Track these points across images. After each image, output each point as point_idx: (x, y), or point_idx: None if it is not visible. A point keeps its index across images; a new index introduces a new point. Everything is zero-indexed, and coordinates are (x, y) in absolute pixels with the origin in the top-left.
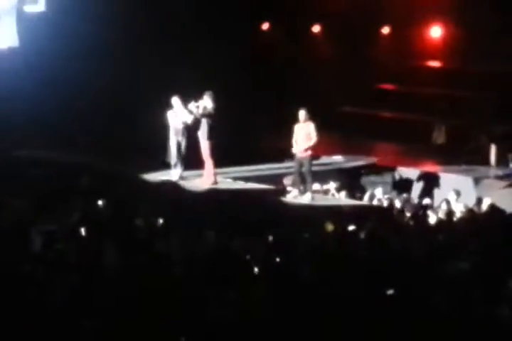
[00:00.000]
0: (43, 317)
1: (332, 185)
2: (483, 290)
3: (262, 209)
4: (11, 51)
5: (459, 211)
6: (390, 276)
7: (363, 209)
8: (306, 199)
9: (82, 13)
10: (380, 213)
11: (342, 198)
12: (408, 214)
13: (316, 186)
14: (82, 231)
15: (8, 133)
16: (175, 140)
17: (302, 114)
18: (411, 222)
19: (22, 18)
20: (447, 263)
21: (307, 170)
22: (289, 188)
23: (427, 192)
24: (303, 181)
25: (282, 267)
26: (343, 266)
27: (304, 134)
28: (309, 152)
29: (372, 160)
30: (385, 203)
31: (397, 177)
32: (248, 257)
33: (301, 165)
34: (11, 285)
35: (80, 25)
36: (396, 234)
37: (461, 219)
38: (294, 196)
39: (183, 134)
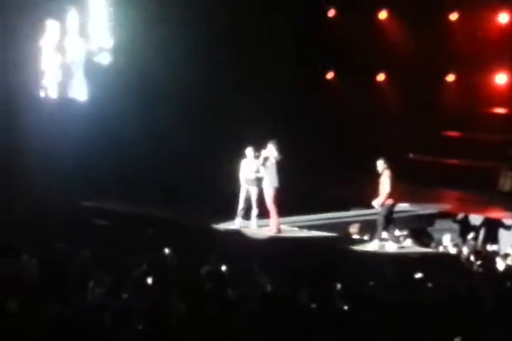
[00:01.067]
0: None
1: (401, 233)
2: None
3: (326, 257)
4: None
5: None
6: (459, 323)
7: (431, 257)
8: (373, 246)
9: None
10: (447, 260)
11: (410, 245)
12: (476, 261)
13: (397, 232)
14: (149, 280)
15: (74, 184)
16: (245, 190)
17: (380, 164)
18: (479, 269)
19: (90, 70)
20: None
21: (380, 218)
22: (354, 236)
23: (494, 238)
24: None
25: (349, 316)
26: (409, 315)
27: (381, 184)
28: (383, 201)
29: (440, 207)
30: (453, 250)
31: (464, 224)
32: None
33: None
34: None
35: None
36: (465, 280)
37: None
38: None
39: (255, 185)
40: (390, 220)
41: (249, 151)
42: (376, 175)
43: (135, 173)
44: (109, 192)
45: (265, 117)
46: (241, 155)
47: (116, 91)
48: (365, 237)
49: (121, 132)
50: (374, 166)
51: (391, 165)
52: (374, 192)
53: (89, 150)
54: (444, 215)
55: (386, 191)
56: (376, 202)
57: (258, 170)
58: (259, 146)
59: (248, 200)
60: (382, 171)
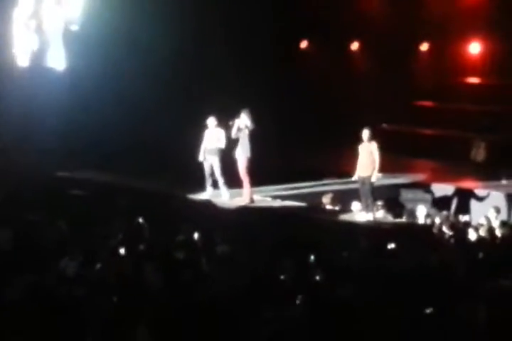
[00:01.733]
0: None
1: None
2: None
3: (299, 227)
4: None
5: (497, 227)
6: (430, 294)
7: (404, 227)
8: (367, 218)
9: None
10: (419, 231)
11: (383, 215)
12: (448, 232)
13: (356, 205)
14: (122, 251)
15: (49, 153)
16: (208, 160)
17: (366, 133)
18: (451, 240)
19: (68, 39)
20: (489, 280)
21: (369, 189)
22: (327, 206)
23: (466, 208)
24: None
25: (321, 286)
26: (381, 285)
27: (366, 154)
28: (376, 173)
29: (411, 177)
30: (425, 221)
31: (436, 194)
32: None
33: (363, 184)
34: (51, 306)
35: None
36: (436, 251)
37: (503, 237)
38: (361, 216)
39: (215, 154)
40: (373, 191)
41: (211, 121)
42: (350, 145)
43: (110, 143)
44: (84, 162)
45: (239, 86)
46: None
47: (93, 60)
48: (337, 207)
49: (98, 102)
50: (347, 136)
51: (375, 135)
52: (349, 162)
53: (65, 120)
54: (416, 185)
55: (378, 161)
56: (375, 176)
57: (220, 139)
58: (233, 115)
59: (212, 170)
60: (369, 141)
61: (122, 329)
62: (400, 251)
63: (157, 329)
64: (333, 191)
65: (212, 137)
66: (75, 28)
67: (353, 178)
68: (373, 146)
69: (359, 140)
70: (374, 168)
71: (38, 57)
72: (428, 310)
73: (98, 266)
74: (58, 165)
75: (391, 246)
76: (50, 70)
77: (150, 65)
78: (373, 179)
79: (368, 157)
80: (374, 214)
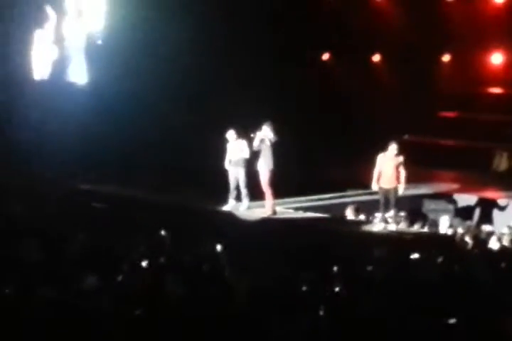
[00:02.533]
0: None
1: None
2: None
3: (322, 238)
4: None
5: None
6: (455, 304)
7: (426, 237)
8: (390, 229)
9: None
10: (443, 241)
11: (405, 226)
12: (470, 242)
13: (379, 216)
14: (144, 264)
15: (72, 166)
16: (232, 172)
17: (393, 147)
18: (474, 250)
19: (89, 53)
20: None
21: (394, 201)
22: (350, 217)
23: (488, 219)
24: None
25: (343, 298)
26: (405, 296)
27: (392, 167)
28: (403, 186)
29: (434, 188)
30: (448, 231)
31: (459, 204)
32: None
33: (386, 195)
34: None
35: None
36: (460, 261)
37: None
38: (381, 228)
39: (241, 166)
40: (389, 201)
41: (230, 134)
42: (372, 156)
43: (132, 156)
44: (106, 175)
45: (261, 99)
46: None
47: (114, 73)
48: (360, 218)
49: (119, 115)
50: (370, 147)
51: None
52: (372, 173)
53: (88, 133)
54: (439, 196)
55: (405, 175)
56: (401, 189)
57: (243, 150)
58: (256, 128)
59: (237, 182)
60: (397, 155)
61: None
62: (423, 261)
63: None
64: (355, 202)
65: (235, 149)
66: (97, 41)
67: (373, 188)
68: (400, 160)
69: (381, 151)
70: (400, 181)
71: (60, 71)
72: (451, 321)
73: (120, 278)
74: (80, 178)
75: (414, 256)
76: (71, 84)
77: (172, 77)
78: (400, 192)
79: (393, 170)
80: (397, 225)
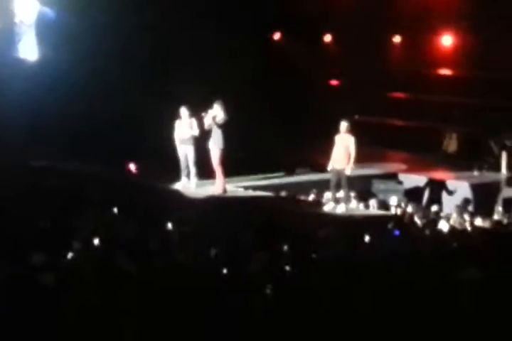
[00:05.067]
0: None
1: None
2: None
3: (272, 217)
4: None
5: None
6: (404, 287)
7: (376, 218)
8: (341, 210)
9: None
10: (392, 221)
11: (355, 206)
12: (420, 222)
13: (328, 195)
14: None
15: (22, 143)
16: (182, 150)
17: (344, 125)
18: (424, 230)
19: (40, 30)
20: (460, 270)
21: (345, 183)
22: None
23: (437, 199)
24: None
25: (291, 276)
26: (354, 277)
27: (343, 146)
28: (350, 166)
29: (384, 168)
30: (396, 211)
31: (408, 185)
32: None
33: (337, 176)
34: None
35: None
36: (409, 241)
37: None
38: (331, 208)
39: (190, 143)
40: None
41: (183, 111)
42: (322, 137)
43: (82, 132)
44: (58, 152)
45: (212, 78)
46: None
47: (65, 49)
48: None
49: (71, 91)
50: (320, 127)
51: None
52: (322, 153)
53: (37, 109)
54: (388, 176)
55: (354, 155)
56: (349, 168)
57: (193, 128)
58: (205, 107)
59: (187, 160)
60: (347, 133)
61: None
62: (372, 241)
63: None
64: (305, 182)
65: (185, 126)
66: (48, 17)
67: (328, 169)
68: (351, 140)
69: (332, 131)
70: (349, 161)
71: (9, 47)
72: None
73: (70, 255)
74: (30, 155)
75: (363, 236)
76: (21, 60)
77: (124, 54)
78: (347, 172)
79: (344, 150)
80: (347, 205)
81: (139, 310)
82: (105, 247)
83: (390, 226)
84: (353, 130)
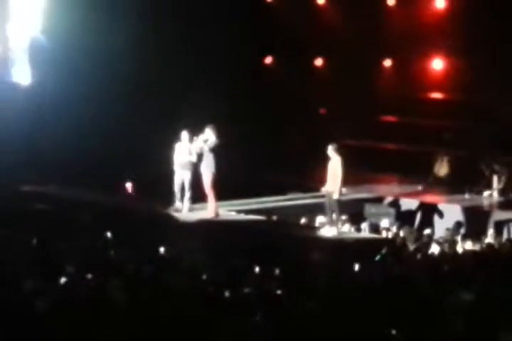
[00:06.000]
0: None
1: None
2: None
3: (265, 240)
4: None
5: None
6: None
7: (367, 242)
8: (332, 233)
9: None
10: (384, 245)
11: (347, 230)
12: (412, 245)
13: (320, 218)
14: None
15: (13, 168)
16: (179, 174)
17: (329, 149)
18: (415, 254)
19: (33, 54)
20: (452, 293)
21: (334, 204)
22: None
23: (429, 222)
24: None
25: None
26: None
27: (331, 169)
28: (338, 188)
29: (375, 192)
30: (388, 234)
31: (400, 208)
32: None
33: (329, 198)
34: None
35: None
36: (400, 264)
37: (468, 251)
38: (322, 231)
39: (188, 168)
40: (339, 205)
41: (184, 134)
42: (315, 159)
43: (75, 158)
44: (48, 178)
45: (204, 102)
46: (176, 138)
47: (58, 74)
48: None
49: (62, 117)
50: (312, 151)
51: (340, 151)
52: (314, 176)
53: (30, 134)
54: (380, 200)
55: (340, 177)
56: (337, 192)
57: (191, 153)
58: (196, 130)
59: (182, 184)
60: (333, 156)
61: None
62: (364, 265)
63: None
64: (298, 205)
65: (185, 151)
66: (40, 42)
67: (322, 191)
68: (335, 162)
69: (324, 155)
70: (336, 184)
71: (3, 71)
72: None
73: (62, 280)
74: (22, 180)
75: (355, 261)
76: (14, 85)
77: (116, 79)
78: (335, 195)
79: (331, 172)
80: (338, 228)
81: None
82: (96, 272)
83: (383, 251)
84: (344, 153)
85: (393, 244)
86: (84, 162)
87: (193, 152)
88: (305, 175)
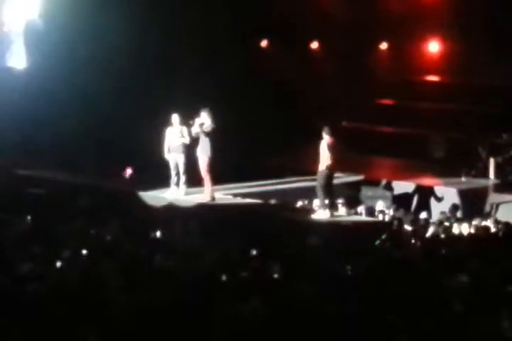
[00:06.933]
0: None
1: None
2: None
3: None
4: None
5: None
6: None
7: (364, 225)
8: (325, 216)
9: (79, 32)
10: (380, 228)
11: (344, 213)
12: (409, 228)
13: (317, 202)
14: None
15: (10, 152)
16: (173, 158)
17: (323, 131)
18: (412, 237)
19: (29, 38)
20: (449, 276)
21: (321, 186)
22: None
23: (426, 205)
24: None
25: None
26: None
27: (321, 151)
28: (323, 170)
29: (372, 175)
30: (383, 217)
31: (396, 191)
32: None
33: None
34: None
35: (78, 45)
36: (398, 247)
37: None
38: (319, 214)
39: (181, 151)
40: (330, 188)
41: (175, 118)
42: (312, 142)
43: (70, 141)
44: (44, 161)
45: (200, 83)
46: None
47: (53, 58)
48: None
49: (57, 100)
50: (309, 134)
51: (334, 133)
52: (311, 159)
53: (26, 118)
54: (376, 183)
55: (326, 158)
56: (321, 173)
57: (184, 136)
58: (193, 114)
59: (177, 167)
60: (323, 138)
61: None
62: (360, 248)
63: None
64: (295, 189)
65: (177, 134)
66: (36, 27)
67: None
68: (323, 143)
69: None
70: (322, 166)
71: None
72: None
73: (58, 264)
74: (18, 164)
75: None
76: (9, 69)
77: (112, 63)
78: (319, 176)
79: (321, 154)
80: (332, 211)
81: (129, 319)
82: (92, 256)
83: (383, 236)
84: (341, 136)
85: (390, 228)
86: (80, 146)
87: (185, 134)
88: (302, 158)
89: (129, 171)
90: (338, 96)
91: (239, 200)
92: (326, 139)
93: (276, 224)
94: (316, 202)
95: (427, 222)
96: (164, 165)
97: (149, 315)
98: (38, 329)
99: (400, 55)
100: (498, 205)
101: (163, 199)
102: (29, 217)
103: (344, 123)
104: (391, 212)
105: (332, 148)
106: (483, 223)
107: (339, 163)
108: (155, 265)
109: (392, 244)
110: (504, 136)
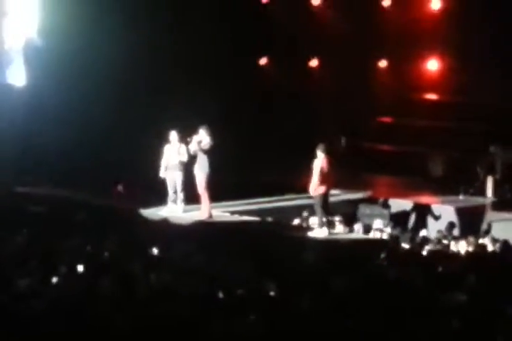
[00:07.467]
0: None
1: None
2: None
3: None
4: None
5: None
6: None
7: (361, 242)
8: (323, 234)
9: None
10: (377, 246)
11: (341, 230)
12: (406, 246)
13: (314, 219)
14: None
15: (9, 170)
16: (171, 175)
17: (318, 148)
18: (410, 254)
19: (28, 55)
20: (446, 294)
21: (316, 204)
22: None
23: (423, 223)
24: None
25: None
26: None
27: (314, 169)
28: (315, 188)
29: (369, 192)
30: (381, 235)
31: (394, 209)
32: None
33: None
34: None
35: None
36: (394, 265)
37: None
38: (316, 232)
39: (179, 169)
40: (326, 206)
41: (173, 135)
42: (310, 161)
43: (70, 158)
44: (42, 179)
45: (198, 101)
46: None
47: (53, 75)
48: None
49: (56, 118)
50: (308, 151)
51: (329, 152)
52: (309, 178)
53: (25, 135)
54: (374, 201)
55: (315, 176)
56: (311, 190)
57: (181, 153)
58: (188, 132)
59: (175, 185)
60: (318, 156)
61: None
62: (357, 266)
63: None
64: (292, 206)
65: (174, 152)
66: (35, 44)
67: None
68: (317, 161)
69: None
70: (313, 183)
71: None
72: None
73: (55, 281)
74: (16, 181)
75: (348, 261)
76: (9, 86)
77: (110, 80)
78: (312, 194)
79: (313, 172)
80: (329, 229)
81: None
82: (90, 273)
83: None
84: (340, 154)
85: (387, 246)
86: (77, 163)
87: (182, 152)
88: (300, 175)
89: (119, 187)
90: (337, 113)
91: (236, 218)
92: (320, 157)
93: (274, 242)
94: (314, 220)
95: (423, 240)
96: (161, 183)
97: (146, 332)
98: None
99: (400, 72)
100: (495, 223)
101: (161, 217)
102: (26, 234)
103: (343, 140)
104: (388, 229)
105: (327, 166)
106: (481, 241)
107: (337, 181)
108: (152, 282)
109: (388, 262)
110: (491, 148)
